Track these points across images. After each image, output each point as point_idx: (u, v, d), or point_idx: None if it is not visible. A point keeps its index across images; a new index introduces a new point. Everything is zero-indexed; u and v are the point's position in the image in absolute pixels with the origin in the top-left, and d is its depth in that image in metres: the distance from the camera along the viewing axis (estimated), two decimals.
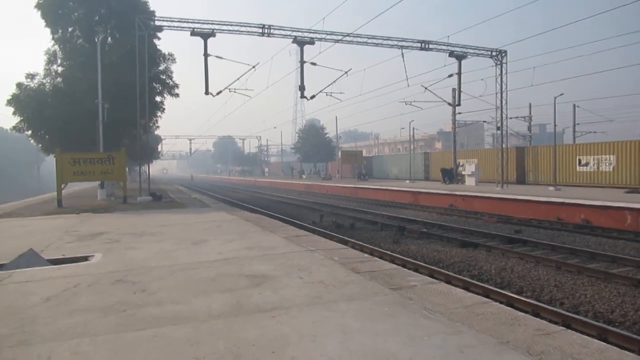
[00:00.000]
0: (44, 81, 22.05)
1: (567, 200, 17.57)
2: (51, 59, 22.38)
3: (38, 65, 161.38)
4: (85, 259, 7.09)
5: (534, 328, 3.80)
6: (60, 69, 22.57)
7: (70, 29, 21.96)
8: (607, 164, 24.44)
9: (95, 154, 18.39)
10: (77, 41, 22.13)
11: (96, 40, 20.02)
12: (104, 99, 19.58)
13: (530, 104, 41.48)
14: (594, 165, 25.15)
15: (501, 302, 5.97)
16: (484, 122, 40.88)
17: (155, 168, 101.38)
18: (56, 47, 22.17)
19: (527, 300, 7.26)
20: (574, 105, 41.85)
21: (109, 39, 22.73)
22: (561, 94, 26.85)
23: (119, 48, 22.10)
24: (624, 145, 23.82)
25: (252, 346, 3.42)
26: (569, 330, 3.99)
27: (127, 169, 24.54)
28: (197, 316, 4.17)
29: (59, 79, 22.28)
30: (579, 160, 26.01)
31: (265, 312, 4.24)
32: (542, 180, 28.25)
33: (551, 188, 22.89)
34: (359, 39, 23.92)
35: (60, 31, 21.74)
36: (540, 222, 16.72)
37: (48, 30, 21.69)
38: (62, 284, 5.40)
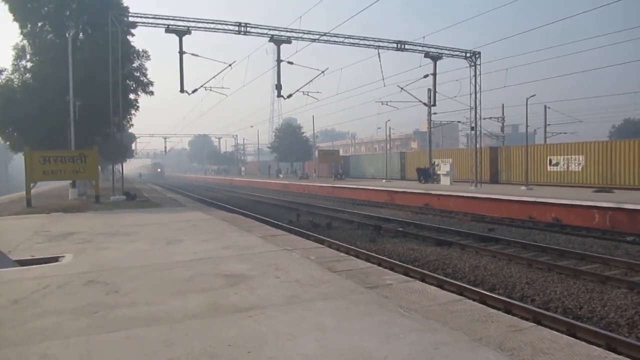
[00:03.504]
0: (12, 77, 21.41)
1: (538, 200, 18.00)
2: (20, 54, 21.70)
3: (5, 61, 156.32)
4: (55, 259, 6.90)
5: (506, 324, 3.88)
6: (29, 64, 21.94)
7: (39, 24, 21.34)
8: (576, 164, 25.16)
9: (66, 152, 17.88)
10: (47, 36, 21.54)
11: (67, 35, 19.50)
12: (75, 96, 19.06)
13: (503, 105, 42.37)
14: (564, 165, 25.85)
15: (474, 300, 6.09)
16: (459, 122, 41.61)
17: (132, 167, 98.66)
18: (25, 42, 21.53)
19: (500, 297, 7.41)
20: (545, 107, 43.01)
21: (81, 34, 22.21)
22: (533, 95, 27.44)
23: (91, 44, 21.62)
24: (592, 146, 24.57)
25: (228, 346, 3.39)
26: (540, 326, 4.10)
27: (99, 168, 24.02)
28: (173, 317, 4.11)
29: (28, 75, 21.67)
30: (550, 160, 26.70)
31: (242, 312, 4.22)
32: (514, 179, 28.88)
33: (523, 187, 23.42)
34: (335, 39, 23.98)
35: (29, 26, 21.11)
36: (512, 221, 17.08)
37: (16, 25, 21.07)
38: (30, 286, 5.25)
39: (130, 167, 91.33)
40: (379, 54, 24.79)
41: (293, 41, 23.14)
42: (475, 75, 26.64)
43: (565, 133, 43.95)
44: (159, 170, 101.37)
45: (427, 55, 26.41)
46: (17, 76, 21.52)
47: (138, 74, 24.08)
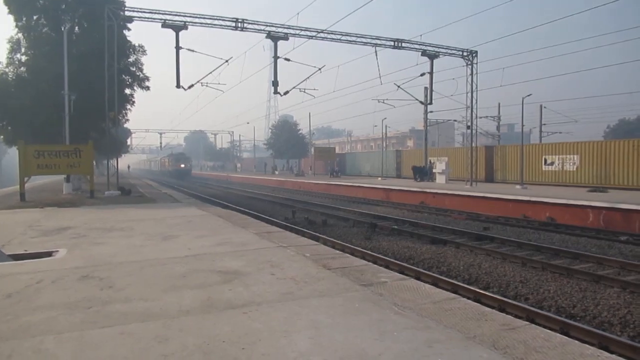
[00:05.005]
0: (7, 70, 21.25)
1: (533, 199, 18.06)
2: (14, 47, 21.51)
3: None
4: (49, 254, 6.87)
5: (499, 323, 3.90)
6: (24, 58, 21.76)
7: (35, 17, 21.13)
8: (571, 164, 25.28)
9: (61, 146, 17.79)
10: (43, 30, 21.35)
11: (63, 29, 19.35)
12: (71, 91, 18.95)
13: (499, 104, 42.47)
14: (558, 164, 25.97)
15: (469, 298, 6.11)
16: (455, 121, 41.70)
17: (131, 162, 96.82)
18: (20, 35, 21.33)
19: (494, 295, 7.44)
20: (541, 106, 43.13)
21: (77, 28, 22.04)
22: (529, 95, 27.59)
23: (87, 38, 21.44)
24: (587, 146, 24.69)
25: (222, 342, 3.39)
26: (533, 325, 4.11)
27: (94, 163, 23.91)
28: (167, 312, 4.10)
29: (22, 69, 21.51)
30: (545, 160, 26.80)
31: (236, 309, 4.21)
32: (509, 178, 28.98)
33: (518, 186, 23.51)
34: (333, 36, 23.93)
35: (24, 19, 20.91)
36: (507, 220, 17.13)
37: (11, 18, 20.89)
38: (24, 280, 5.22)
39: (127, 162, 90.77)
40: (376, 51, 24.83)
41: (290, 38, 23.09)
42: (471, 74, 26.69)
43: (560, 133, 44.12)
44: (182, 166, 66.27)
45: (424, 53, 26.41)
46: (11, 69, 21.37)
47: (134, 69, 23.92)
